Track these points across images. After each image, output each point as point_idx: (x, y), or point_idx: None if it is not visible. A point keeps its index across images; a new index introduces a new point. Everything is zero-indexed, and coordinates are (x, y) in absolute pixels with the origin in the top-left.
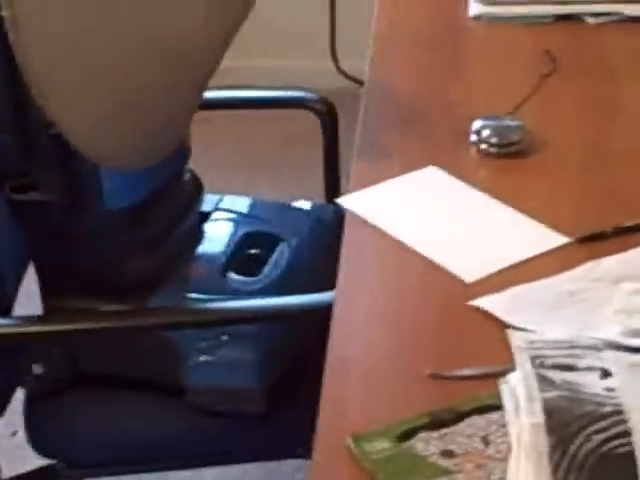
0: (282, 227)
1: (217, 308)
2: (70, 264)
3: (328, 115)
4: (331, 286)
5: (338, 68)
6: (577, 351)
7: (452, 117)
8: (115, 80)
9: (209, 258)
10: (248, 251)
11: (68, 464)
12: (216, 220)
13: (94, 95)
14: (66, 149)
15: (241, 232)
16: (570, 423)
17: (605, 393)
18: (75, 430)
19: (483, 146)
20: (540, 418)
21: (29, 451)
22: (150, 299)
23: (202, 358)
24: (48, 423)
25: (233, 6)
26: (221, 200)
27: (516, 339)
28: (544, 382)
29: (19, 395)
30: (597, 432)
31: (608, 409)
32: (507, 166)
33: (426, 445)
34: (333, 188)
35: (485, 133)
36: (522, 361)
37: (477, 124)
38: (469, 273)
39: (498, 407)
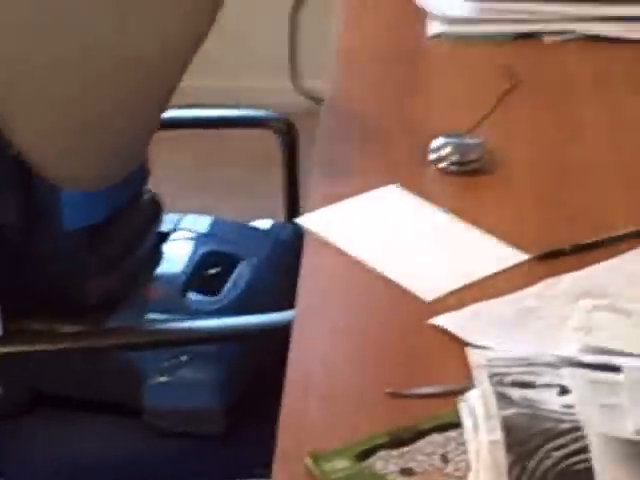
0: (242, 246)
1: (176, 328)
2: (28, 286)
3: (288, 134)
4: (290, 305)
5: (298, 87)
6: (535, 368)
7: (412, 135)
8: (74, 101)
9: (168, 278)
10: (207, 271)
11: None
12: (175, 240)
13: (53, 116)
14: (24, 170)
15: (200, 252)
16: (529, 440)
17: (563, 410)
18: (33, 453)
19: (443, 164)
20: (499, 435)
21: None
22: (109, 320)
23: (161, 379)
24: (5, 446)
25: (193, 25)
26: (180, 220)
27: (475, 357)
28: (503, 399)
29: None
30: (556, 449)
31: (566, 426)
32: (467, 184)
33: (385, 464)
34: (293, 207)
35: (445, 151)
36: (481, 379)
37: (437, 142)
38: (429, 291)
39: (457, 425)
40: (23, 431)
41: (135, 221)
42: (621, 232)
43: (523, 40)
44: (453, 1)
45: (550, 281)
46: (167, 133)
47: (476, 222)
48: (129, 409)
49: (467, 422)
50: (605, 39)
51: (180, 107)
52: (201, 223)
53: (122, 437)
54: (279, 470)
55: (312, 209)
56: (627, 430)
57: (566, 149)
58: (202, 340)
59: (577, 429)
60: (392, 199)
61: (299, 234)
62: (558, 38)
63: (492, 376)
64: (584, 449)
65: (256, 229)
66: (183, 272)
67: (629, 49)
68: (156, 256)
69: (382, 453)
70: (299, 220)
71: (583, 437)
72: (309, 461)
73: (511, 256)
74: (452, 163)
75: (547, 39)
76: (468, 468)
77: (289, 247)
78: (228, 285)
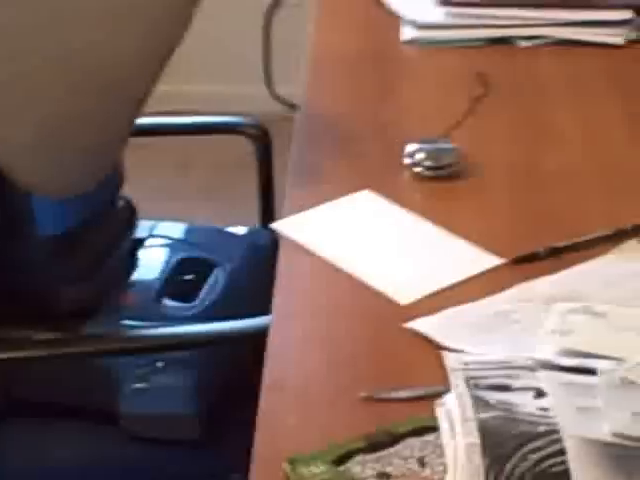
0: (217, 252)
1: (151, 335)
2: (2, 292)
3: (262, 140)
4: (266, 311)
5: (272, 93)
6: (511, 371)
7: (386, 141)
8: (46, 107)
9: (143, 284)
10: (183, 277)
11: None
12: (150, 246)
13: (25, 122)
14: None
15: (176, 258)
16: (506, 443)
17: (539, 413)
18: (7, 460)
19: (417, 169)
20: (475, 438)
21: None
22: (84, 327)
23: (137, 385)
24: None
25: (167, 32)
26: (155, 226)
27: (451, 361)
28: (479, 403)
29: None
30: (532, 451)
31: (543, 428)
32: (441, 189)
33: (362, 468)
34: (268, 213)
35: (419, 156)
36: (457, 382)
37: (411, 147)
38: (404, 295)
39: (434, 428)
40: None
41: (110, 227)
42: (595, 235)
43: (496, 45)
44: (425, 6)
45: (525, 285)
46: (142, 139)
47: (450, 227)
48: (105, 415)
49: (444, 425)
50: (577, 43)
51: (154, 114)
52: (176, 229)
53: (97, 443)
54: (256, 475)
55: (287, 214)
56: (603, 432)
57: (540, 153)
58: (178, 346)
59: (553, 432)
60: (367, 204)
61: (275, 239)
62: (530, 43)
63: (468, 379)
64: (560, 451)
65: (231, 235)
66: (158, 278)
67: (601, 53)
68: (131, 262)
69: (359, 457)
70: (274, 225)
71: (559, 440)
72: (286, 466)
73: (486, 260)
74: (426, 168)
75: (522, 44)
76: (445, 471)
77: (265, 252)
78: (203, 291)
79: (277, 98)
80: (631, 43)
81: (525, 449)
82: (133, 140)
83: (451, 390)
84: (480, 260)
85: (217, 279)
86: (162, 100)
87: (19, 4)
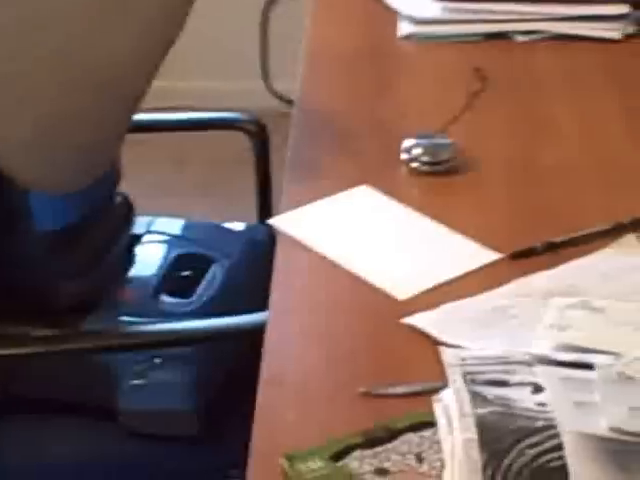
0: (215, 248)
1: (149, 331)
2: (0, 289)
3: (260, 136)
4: (264, 306)
5: (270, 89)
6: (509, 367)
7: (383, 136)
8: (43, 105)
9: (141, 281)
10: (181, 273)
11: None
12: (148, 242)
13: (22, 120)
14: None
15: (173, 254)
16: (503, 438)
17: (537, 408)
18: (5, 457)
19: (414, 164)
20: (473, 434)
21: None
22: (82, 323)
23: (135, 381)
24: None
25: (162, 31)
26: (152, 222)
27: (448, 356)
28: (476, 398)
29: None
30: (530, 447)
31: (540, 423)
32: (438, 184)
33: (360, 463)
34: (265, 209)
35: (416, 151)
36: (454, 377)
37: (408, 142)
38: (401, 291)
39: (432, 424)
40: None
41: (108, 223)
42: (593, 230)
43: (493, 40)
44: (422, 1)
45: (522, 280)
46: (138, 136)
47: (448, 222)
48: (103, 411)
49: (441, 421)
50: (575, 38)
51: (151, 110)
52: (173, 225)
53: (96, 440)
54: (254, 471)
55: (285, 210)
56: (600, 427)
57: (537, 148)
58: (176, 342)
59: (551, 427)
60: (364, 199)
61: (272, 235)
62: (527, 38)
63: (466, 375)
64: (558, 446)
65: (229, 230)
66: (156, 275)
67: (599, 48)
68: (128, 259)
69: (357, 453)
70: (272, 221)
71: (557, 435)
72: (284, 462)
73: (483, 255)
74: (424, 163)
75: (519, 38)
76: (443, 467)
77: (262, 248)
78: (201, 287)
79: (274, 94)
80: (628, 37)
81: (523, 444)
82: (130, 136)
83: (449, 385)
84: (478, 255)
85: (215, 275)
86: (159, 96)
87: (18, 4)
